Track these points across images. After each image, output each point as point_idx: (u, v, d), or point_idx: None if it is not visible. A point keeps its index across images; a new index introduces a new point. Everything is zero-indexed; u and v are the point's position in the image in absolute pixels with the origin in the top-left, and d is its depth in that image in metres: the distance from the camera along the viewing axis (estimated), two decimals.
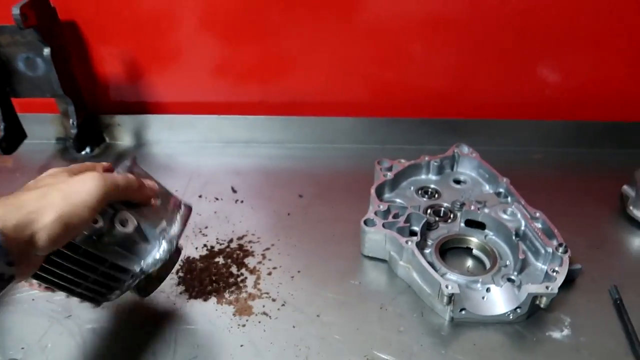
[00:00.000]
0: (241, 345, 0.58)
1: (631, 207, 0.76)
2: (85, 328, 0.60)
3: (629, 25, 0.87)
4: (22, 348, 0.58)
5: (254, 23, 0.90)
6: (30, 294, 0.65)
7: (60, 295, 0.64)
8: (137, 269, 0.51)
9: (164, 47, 0.95)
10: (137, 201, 0.52)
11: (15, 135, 0.85)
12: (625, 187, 0.77)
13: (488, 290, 0.61)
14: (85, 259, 0.47)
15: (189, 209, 0.57)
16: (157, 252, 0.51)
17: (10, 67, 0.81)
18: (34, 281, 0.48)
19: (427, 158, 0.80)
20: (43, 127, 0.97)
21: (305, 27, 0.90)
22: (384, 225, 0.67)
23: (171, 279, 0.66)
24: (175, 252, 0.54)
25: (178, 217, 0.55)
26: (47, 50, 0.75)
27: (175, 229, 0.54)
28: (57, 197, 0.43)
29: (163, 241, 0.52)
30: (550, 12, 0.86)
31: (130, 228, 0.49)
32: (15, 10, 0.68)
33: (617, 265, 0.68)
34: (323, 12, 0.88)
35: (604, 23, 0.87)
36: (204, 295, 0.64)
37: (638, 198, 0.75)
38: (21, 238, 0.40)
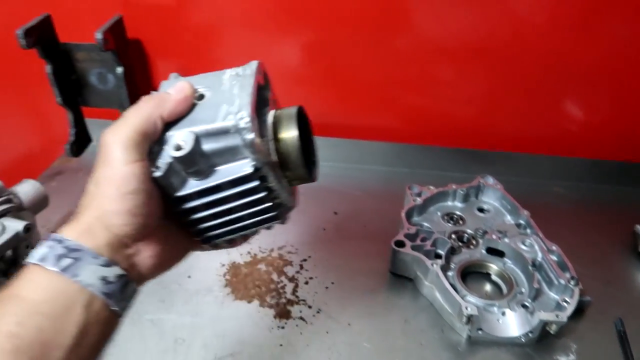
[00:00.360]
0: (280, 345, 0.66)
1: None
2: (145, 318, 0.69)
3: None
4: None
5: (292, 45, 0.98)
6: None
7: None
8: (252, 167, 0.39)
9: (214, 63, 1.03)
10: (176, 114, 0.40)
11: (83, 140, 0.94)
12: (637, 226, 0.83)
13: (504, 314, 0.68)
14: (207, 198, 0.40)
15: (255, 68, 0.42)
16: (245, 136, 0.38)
17: (83, 80, 0.90)
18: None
19: (454, 186, 0.87)
20: None
21: (343, 52, 0.97)
22: (412, 247, 0.75)
23: (219, 281, 0.75)
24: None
25: (238, 85, 0.40)
26: (120, 69, 0.84)
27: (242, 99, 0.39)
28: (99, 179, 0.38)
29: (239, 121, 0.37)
30: (578, 52, 0.92)
31: (187, 147, 0.38)
32: (99, 35, 0.78)
33: (625, 300, 0.74)
34: (361, 37, 0.95)
35: (627, 65, 0.92)
36: (248, 297, 0.72)
37: None
38: (116, 246, 0.38)
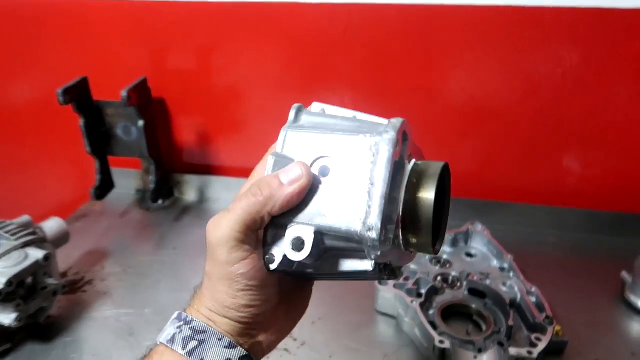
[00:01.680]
0: None
1: (628, 293, 0.83)
2: (144, 345, 0.74)
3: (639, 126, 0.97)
4: (94, 355, 0.73)
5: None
6: (104, 314, 0.81)
7: (127, 317, 0.80)
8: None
9: (230, 121, 1.15)
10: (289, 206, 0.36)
11: (107, 185, 1.05)
12: (624, 273, 0.85)
13: (480, 351, 0.70)
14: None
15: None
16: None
17: (111, 132, 1.02)
18: None
19: None
20: (127, 180, 1.18)
21: (352, 107, 1.07)
22: (394, 286, 0.79)
23: None
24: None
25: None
26: (141, 123, 0.96)
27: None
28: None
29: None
30: (576, 111, 0.98)
31: (307, 248, 0.35)
32: (124, 93, 0.90)
33: (605, 343, 0.75)
34: (371, 97, 1.05)
35: (621, 123, 0.98)
36: None
37: (635, 284, 0.82)
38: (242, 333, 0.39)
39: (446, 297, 0.80)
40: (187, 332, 0.37)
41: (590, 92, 0.97)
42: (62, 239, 0.85)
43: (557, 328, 0.72)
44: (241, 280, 0.36)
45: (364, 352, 0.74)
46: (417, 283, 0.80)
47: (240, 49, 1.07)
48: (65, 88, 0.91)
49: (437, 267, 0.87)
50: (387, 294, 0.79)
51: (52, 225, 0.84)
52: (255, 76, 1.08)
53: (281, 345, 0.75)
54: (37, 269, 0.74)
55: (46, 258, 0.75)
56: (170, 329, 0.38)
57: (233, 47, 1.07)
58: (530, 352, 0.66)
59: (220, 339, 0.37)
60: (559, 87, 0.97)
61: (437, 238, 0.38)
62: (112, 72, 1.11)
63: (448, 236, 0.91)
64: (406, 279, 0.81)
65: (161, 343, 0.38)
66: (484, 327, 0.76)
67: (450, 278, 0.84)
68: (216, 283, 0.37)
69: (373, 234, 0.33)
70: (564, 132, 1.01)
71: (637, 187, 1.02)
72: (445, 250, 0.91)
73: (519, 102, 1.00)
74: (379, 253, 0.34)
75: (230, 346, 0.37)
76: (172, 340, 0.37)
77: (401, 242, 0.36)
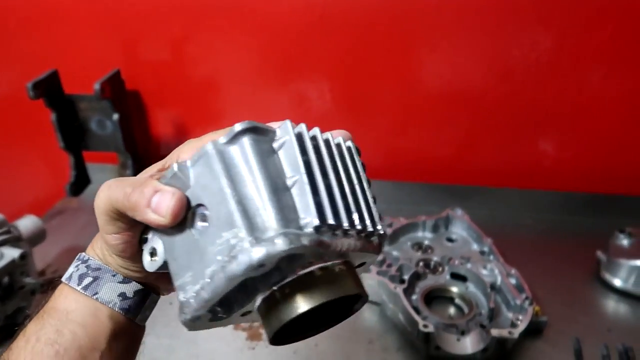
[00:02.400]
0: None
1: (603, 271, 0.85)
2: None
3: (611, 108, 0.99)
4: None
5: (275, 96, 1.08)
6: None
7: None
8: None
9: (207, 112, 1.13)
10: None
11: (82, 181, 1.03)
12: (599, 252, 0.87)
13: (463, 333, 0.72)
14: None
15: None
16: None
17: (85, 126, 1.00)
18: None
19: (423, 218, 0.93)
20: (103, 175, 1.15)
21: (330, 95, 1.07)
22: (378, 273, 0.80)
23: None
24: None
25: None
26: (115, 116, 0.94)
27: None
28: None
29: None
30: (550, 95, 1.00)
31: (158, 259, 0.34)
32: (97, 86, 0.88)
33: (583, 321, 0.77)
34: (339, 86, 1.05)
35: (594, 107, 1.00)
36: None
37: (609, 263, 0.84)
38: None
39: (428, 282, 0.82)
40: (83, 269, 0.39)
41: (563, 76, 0.98)
42: (38, 237, 0.83)
43: (537, 308, 0.73)
44: (115, 249, 0.37)
45: (349, 339, 0.74)
46: (399, 269, 0.81)
47: (216, 39, 1.05)
48: (35, 82, 0.89)
49: (419, 253, 0.88)
50: (371, 281, 0.79)
51: (27, 224, 0.82)
52: (231, 66, 1.07)
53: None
54: (14, 268, 0.72)
55: (22, 257, 0.73)
56: (70, 269, 0.40)
57: (208, 37, 1.05)
58: (511, 333, 0.68)
59: (114, 275, 0.38)
60: (533, 71, 0.98)
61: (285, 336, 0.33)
62: (84, 64, 1.08)
63: (429, 222, 0.92)
64: (389, 265, 0.82)
65: (61, 281, 0.39)
66: (466, 310, 0.78)
67: (432, 263, 0.85)
68: (102, 236, 0.38)
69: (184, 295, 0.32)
70: (538, 115, 1.03)
71: (609, 169, 1.05)
72: (427, 236, 0.92)
73: (494, 86, 1.01)
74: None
75: (125, 281, 0.39)
76: (70, 277, 0.39)
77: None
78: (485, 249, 0.86)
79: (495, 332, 0.68)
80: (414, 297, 0.78)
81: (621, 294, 0.82)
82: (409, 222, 0.92)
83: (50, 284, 0.85)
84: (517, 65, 0.98)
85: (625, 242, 0.85)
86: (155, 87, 1.12)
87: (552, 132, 1.05)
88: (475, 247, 0.89)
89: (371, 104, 1.07)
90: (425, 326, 0.69)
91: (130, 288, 0.39)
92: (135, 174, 1.05)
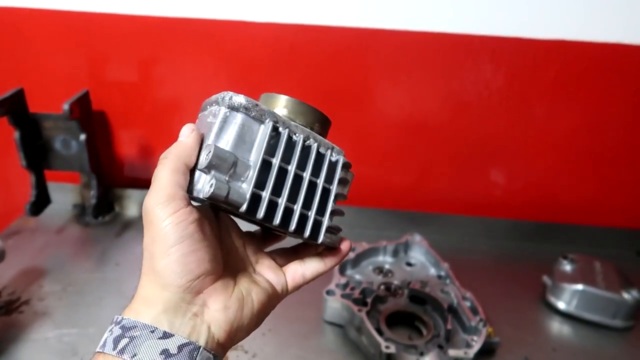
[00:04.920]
0: None
1: (549, 295, 0.91)
2: None
3: (555, 143, 1.08)
4: None
5: None
6: (45, 335, 0.78)
7: (70, 336, 0.78)
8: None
9: (173, 134, 1.13)
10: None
11: (43, 201, 1.01)
12: (544, 277, 0.93)
13: (422, 354, 0.75)
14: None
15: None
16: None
17: (48, 145, 0.99)
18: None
19: (384, 243, 0.97)
20: (62, 195, 1.13)
21: None
22: (342, 296, 0.82)
23: None
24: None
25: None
26: (83, 136, 0.94)
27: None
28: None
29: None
30: (502, 130, 1.08)
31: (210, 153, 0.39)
32: (66, 106, 0.88)
33: (531, 342, 0.83)
34: None
35: (541, 141, 1.08)
36: None
37: (554, 287, 0.91)
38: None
39: (389, 304, 0.85)
40: (117, 332, 0.36)
41: (513, 111, 1.06)
42: None
43: (490, 330, 0.78)
44: (175, 232, 0.36)
45: None
46: (362, 292, 0.84)
47: (183, 63, 1.07)
48: (0, 99, 0.87)
49: (380, 277, 0.91)
50: (335, 304, 0.82)
51: None
52: (198, 90, 1.09)
53: (232, 358, 0.76)
54: None
55: None
56: (104, 335, 0.37)
57: (176, 61, 1.07)
58: (466, 353, 0.72)
59: (152, 331, 0.35)
60: (486, 106, 1.06)
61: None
62: (49, 83, 1.07)
63: (390, 247, 0.96)
64: (352, 288, 0.85)
65: (96, 352, 0.36)
66: (424, 332, 0.81)
67: (393, 287, 0.89)
68: (151, 247, 0.37)
69: (225, 93, 0.42)
70: (490, 147, 1.11)
71: (554, 199, 1.13)
72: (387, 260, 0.96)
73: (450, 119, 1.08)
74: (240, 97, 0.41)
75: (165, 336, 0.35)
76: (104, 344, 0.36)
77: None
78: (442, 273, 0.91)
79: (452, 352, 0.72)
80: (376, 319, 0.81)
81: (565, 315, 0.89)
82: (371, 247, 0.96)
83: (7, 306, 0.83)
84: (471, 100, 1.06)
85: (568, 267, 0.92)
86: (121, 108, 1.12)
87: (502, 164, 1.12)
88: (433, 271, 0.94)
89: (335, 132, 1.10)
90: (387, 347, 0.72)
91: (174, 343, 0.35)
92: (100, 194, 1.04)
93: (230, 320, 0.40)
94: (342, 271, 0.90)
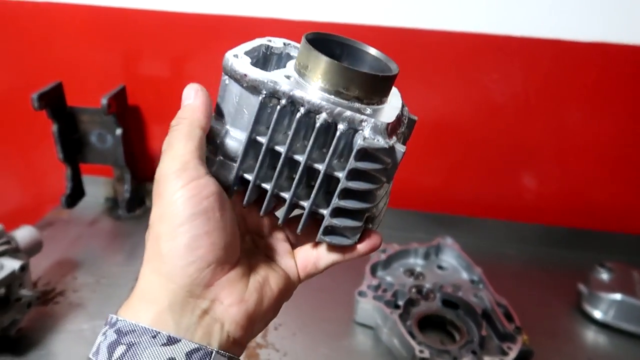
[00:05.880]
0: None
1: (584, 303, 0.89)
2: None
3: (591, 148, 1.06)
4: None
5: None
6: (79, 326, 0.79)
7: None
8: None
9: None
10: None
11: (77, 193, 1.03)
12: (580, 285, 0.92)
13: (455, 359, 0.74)
14: None
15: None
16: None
17: (84, 139, 1.00)
18: None
19: (415, 245, 0.96)
20: (96, 188, 1.15)
21: None
22: (373, 298, 0.82)
23: None
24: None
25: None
26: (119, 131, 0.95)
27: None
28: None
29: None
30: (535, 132, 1.06)
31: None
32: (104, 101, 0.89)
33: (566, 351, 0.82)
34: None
35: (575, 144, 1.06)
36: None
37: (590, 296, 0.89)
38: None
39: (421, 308, 0.84)
40: (111, 336, 0.30)
41: (549, 115, 1.04)
42: (35, 248, 0.82)
43: (525, 337, 0.77)
44: (187, 208, 0.32)
45: None
46: (394, 295, 0.83)
47: (215, 59, 1.07)
48: (40, 93, 0.89)
49: (412, 279, 0.91)
50: (366, 305, 0.82)
51: (24, 234, 0.81)
52: None
53: (265, 356, 0.76)
54: (12, 280, 0.72)
55: (22, 268, 0.72)
56: (97, 338, 0.32)
57: (208, 57, 1.07)
58: None
59: (154, 336, 0.29)
60: (521, 109, 1.04)
61: None
62: (84, 77, 1.09)
63: (421, 249, 0.95)
64: (384, 290, 0.84)
65: (89, 358, 0.31)
66: (457, 337, 0.80)
67: (425, 290, 0.88)
68: (157, 226, 0.33)
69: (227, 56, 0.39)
70: (523, 150, 1.09)
71: (589, 205, 1.11)
72: (419, 262, 0.95)
73: (483, 121, 1.06)
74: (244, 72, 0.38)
75: (170, 342, 0.30)
76: (97, 351, 0.30)
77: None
78: (475, 277, 0.90)
79: (487, 359, 0.71)
80: (408, 322, 0.81)
81: (601, 325, 0.87)
82: (402, 249, 0.95)
83: (43, 297, 0.85)
84: (506, 102, 1.04)
85: (605, 276, 0.89)
86: (154, 102, 1.13)
87: (536, 168, 1.10)
88: (465, 275, 0.93)
89: None
90: (421, 351, 0.71)
91: (181, 350, 0.30)
92: (133, 188, 1.05)
93: (249, 314, 0.35)
94: (373, 272, 0.89)
